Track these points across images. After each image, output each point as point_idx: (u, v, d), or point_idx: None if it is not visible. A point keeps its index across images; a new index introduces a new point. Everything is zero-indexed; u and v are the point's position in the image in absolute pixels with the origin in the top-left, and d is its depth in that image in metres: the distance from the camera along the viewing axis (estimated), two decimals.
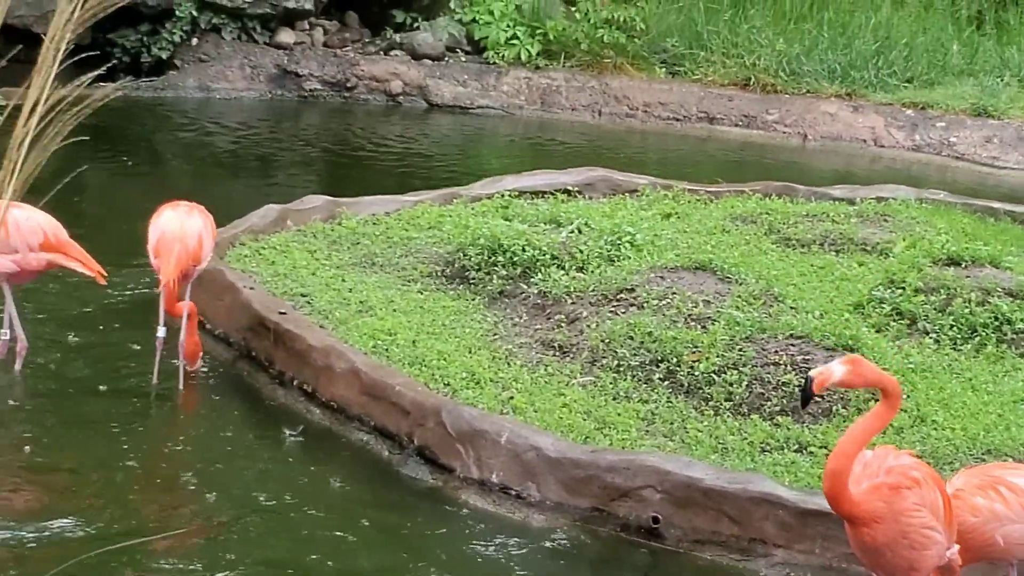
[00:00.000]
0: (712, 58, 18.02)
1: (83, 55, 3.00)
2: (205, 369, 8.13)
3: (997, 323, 8.30)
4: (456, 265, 9.04)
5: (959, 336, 8.26)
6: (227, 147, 15.03)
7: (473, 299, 8.71)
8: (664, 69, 18.17)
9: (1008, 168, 16.01)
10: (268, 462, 7.23)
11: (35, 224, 7.66)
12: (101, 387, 7.86)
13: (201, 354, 8.03)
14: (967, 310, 8.33)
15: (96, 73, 2.87)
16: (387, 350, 7.79)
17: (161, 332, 7.84)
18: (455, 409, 7.01)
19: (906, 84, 17.74)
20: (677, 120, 17.36)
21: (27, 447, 7.12)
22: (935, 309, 8.40)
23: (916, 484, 5.24)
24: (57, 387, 7.85)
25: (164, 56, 17.07)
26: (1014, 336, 8.26)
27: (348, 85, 17.46)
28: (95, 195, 11.72)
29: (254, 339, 8.23)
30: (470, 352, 7.87)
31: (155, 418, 7.76)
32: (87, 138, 2.87)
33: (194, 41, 17.34)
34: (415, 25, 18.46)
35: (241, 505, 6.73)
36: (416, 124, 16.73)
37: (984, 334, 8.23)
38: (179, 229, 7.78)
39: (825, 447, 6.84)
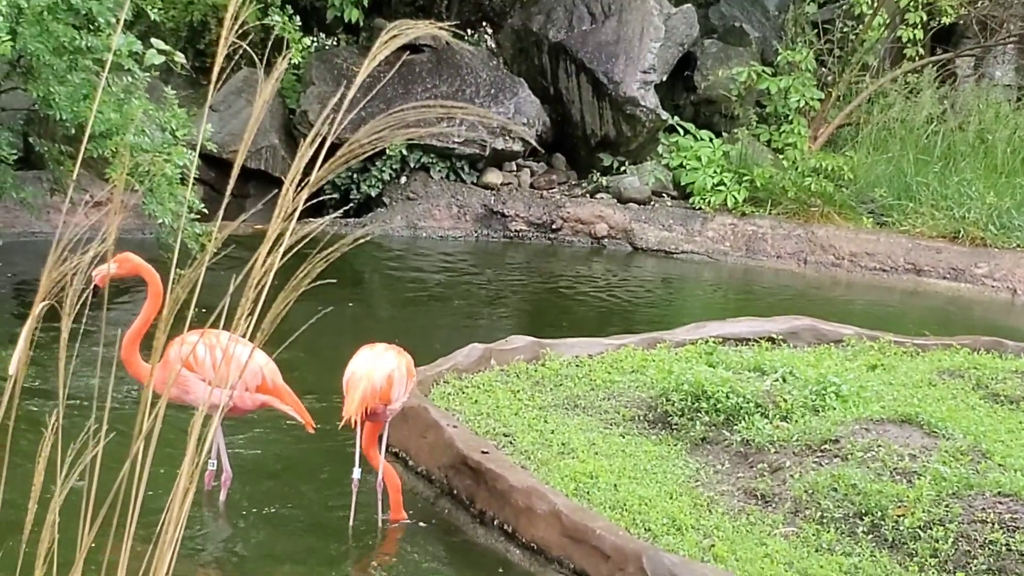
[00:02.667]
0: (921, 209, 17.91)
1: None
2: (410, 514, 8.13)
3: None
4: (659, 410, 9.04)
5: None
6: (433, 286, 15.26)
7: (675, 445, 8.69)
8: (871, 219, 18.10)
9: None
10: None
11: (256, 366, 7.85)
12: (300, 524, 7.95)
13: (403, 516, 8.03)
14: None
15: (336, 215, 2.97)
16: (588, 493, 7.80)
17: (356, 473, 7.88)
18: (656, 555, 6.97)
19: None
20: (884, 271, 17.24)
21: None
22: None
23: None
24: (257, 521, 7.95)
25: (373, 193, 17.47)
26: None
27: (554, 227, 17.67)
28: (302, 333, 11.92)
29: (456, 477, 8.29)
30: (671, 498, 7.84)
31: (353, 555, 7.81)
32: (334, 280, 2.95)
33: (403, 179, 17.71)
34: (622, 169, 18.66)
35: None
36: (620, 267, 16.84)
37: None
38: (368, 368, 7.85)
39: None
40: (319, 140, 2.85)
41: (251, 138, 2.90)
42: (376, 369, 7.85)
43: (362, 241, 2.87)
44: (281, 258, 2.68)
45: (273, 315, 2.63)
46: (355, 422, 7.74)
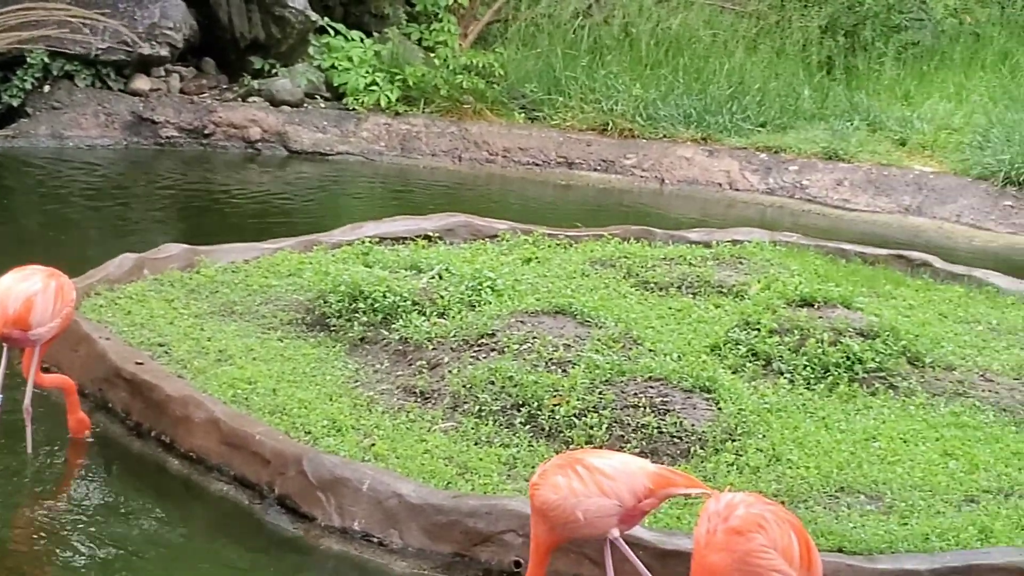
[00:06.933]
0: (570, 104, 18.14)
1: None
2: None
3: (849, 363, 8.45)
4: (316, 312, 9.02)
5: (812, 376, 8.39)
6: (81, 196, 14.81)
7: (334, 346, 8.69)
8: (523, 115, 18.27)
9: (858, 210, 16.17)
10: (124, 514, 7.14)
11: None
12: None
13: (88, 430, 7.84)
14: (820, 350, 8.48)
15: None
16: (247, 399, 7.75)
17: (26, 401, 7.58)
18: (316, 457, 6.99)
19: (759, 128, 17.93)
20: (536, 165, 17.45)
21: None
22: (789, 350, 8.54)
23: (761, 528, 5.28)
24: None
25: (15, 103, 16.87)
26: (865, 375, 8.42)
27: (205, 132, 17.34)
28: None
29: (110, 390, 8.15)
30: (331, 400, 7.86)
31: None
32: None
33: (46, 88, 17.13)
34: (273, 72, 18.40)
35: (97, 556, 6.64)
36: (275, 171, 16.67)
37: (836, 374, 8.38)
38: (3, 292, 7.43)
39: None
40: None
41: None
42: (12, 293, 7.43)
43: None
44: None
45: None
46: None
